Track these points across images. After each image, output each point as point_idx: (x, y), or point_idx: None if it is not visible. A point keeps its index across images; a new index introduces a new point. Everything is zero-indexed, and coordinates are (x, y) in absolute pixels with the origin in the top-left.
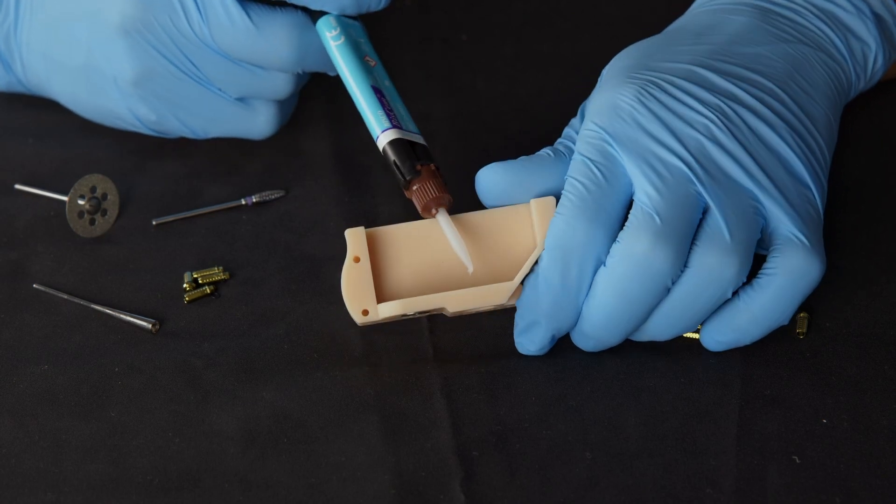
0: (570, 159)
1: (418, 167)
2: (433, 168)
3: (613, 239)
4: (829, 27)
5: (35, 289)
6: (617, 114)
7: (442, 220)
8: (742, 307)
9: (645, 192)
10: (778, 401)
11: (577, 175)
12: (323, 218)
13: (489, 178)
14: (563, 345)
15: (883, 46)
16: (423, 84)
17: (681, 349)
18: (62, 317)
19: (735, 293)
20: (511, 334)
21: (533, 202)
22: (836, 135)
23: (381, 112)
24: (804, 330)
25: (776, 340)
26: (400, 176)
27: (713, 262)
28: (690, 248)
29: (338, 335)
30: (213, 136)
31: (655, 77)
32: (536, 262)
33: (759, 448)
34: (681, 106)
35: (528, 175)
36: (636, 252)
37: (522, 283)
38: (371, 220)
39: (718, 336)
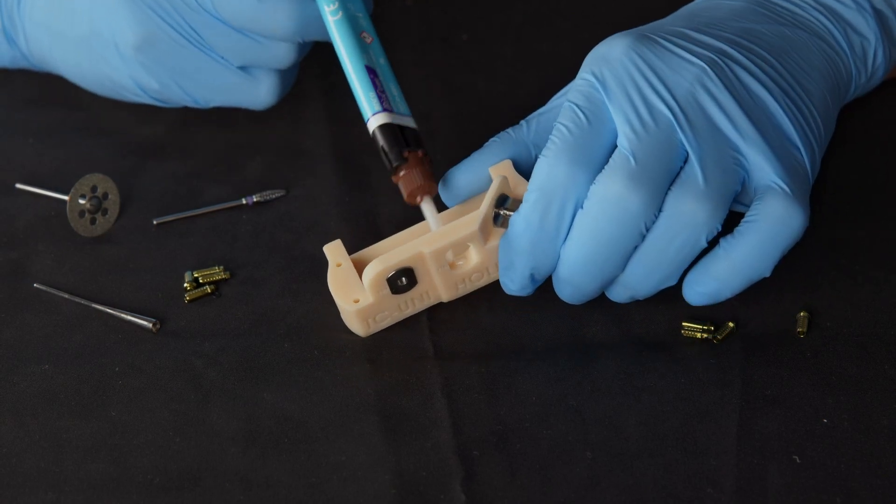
0: (518, 136)
1: (406, 154)
2: (420, 155)
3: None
4: (829, 20)
5: (36, 288)
6: (607, 62)
7: (426, 208)
8: (722, 254)
9: (625, 136)
10: (778, 401)
11: (563, 120)
12: (323, 218)
13: (449, 186)
14: (562, 344)
15: (883, 41)
16: (423, 84)
17: (681, 349)
18: (63, 316)
19: (716, 242)
20: (512, 333)
21: (491, 169)
22: (834, 120)
23: (372, 94)
24: (805, 329)
25: (776, 340)
26: (387, 162)
27: (685, 207)
28: (666, 194)
29: (338, 335)
30: (216, 106)
31: (649, 33)
32: (505, 203)
33: (760, 448)
34: (672, 56)
35: (480, 165)
36: (610, 193)
37: (500, 224)
38: (371, 219)
39: (698, 287)
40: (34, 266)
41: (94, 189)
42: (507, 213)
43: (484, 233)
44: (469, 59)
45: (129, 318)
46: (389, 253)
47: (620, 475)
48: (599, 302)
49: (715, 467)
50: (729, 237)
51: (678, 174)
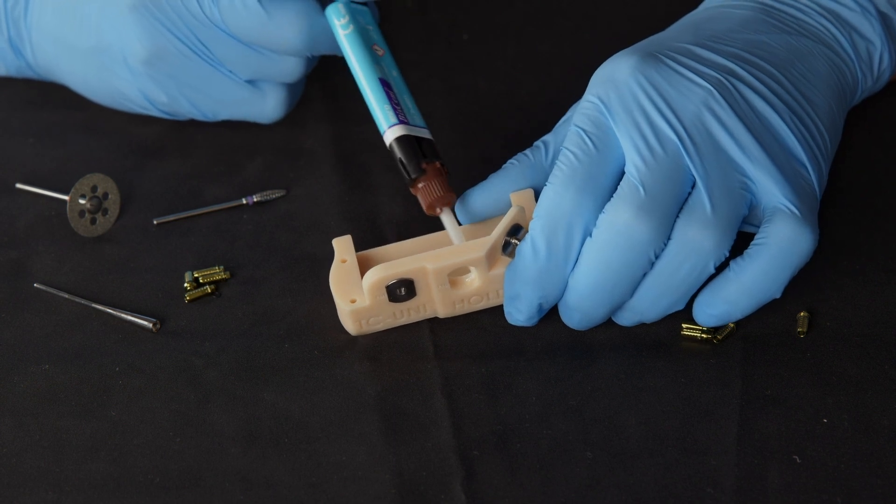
0: (536, 161)
1: (424, 165)
2: (438, 166)
3: (602, 209)
4: (834, 25)
5: (36, 288)
6: (614, 85)
7: (446, 219)
8: (732, 277)
9: (633, 164)
10: (778, 400)
11: (569, 146)
12: (323, 217)
13: (466, 207)
14: (562, 344)
15: (888, 45)
16: (424, 84)
17: (681, 349)
18: (63, 316)
19: (726, 266)
20: (512, 333)
21: (512, 195)
22: (841, 128)
23: (387, 106)
24: (805, 329)
25: (776, 340)
26: (405, 174)
27: (693, 235)
28: (674, 221)
29: (338, 335)
30: (223, 119)
31: (655, 52)
32: (518, 234)
33: (760, 448)
34: (679, 78)
35: (498, 189)
36: (618, 223)
37: (508, 253)
38: (371, 219)
39: (709, 308)
40: (34, 266)
41: (94, 189)
42: (517, 242)
43: (490, 259)
44: (470, 59)
45: (130, 317)
46: (393, 261)
47: (620, 475)
48: None
49: (715, 467)
50: (739, 259)
51: (686, 199)
